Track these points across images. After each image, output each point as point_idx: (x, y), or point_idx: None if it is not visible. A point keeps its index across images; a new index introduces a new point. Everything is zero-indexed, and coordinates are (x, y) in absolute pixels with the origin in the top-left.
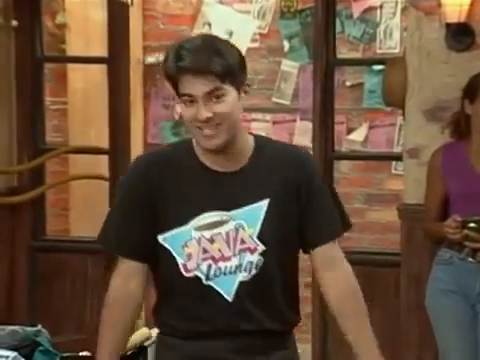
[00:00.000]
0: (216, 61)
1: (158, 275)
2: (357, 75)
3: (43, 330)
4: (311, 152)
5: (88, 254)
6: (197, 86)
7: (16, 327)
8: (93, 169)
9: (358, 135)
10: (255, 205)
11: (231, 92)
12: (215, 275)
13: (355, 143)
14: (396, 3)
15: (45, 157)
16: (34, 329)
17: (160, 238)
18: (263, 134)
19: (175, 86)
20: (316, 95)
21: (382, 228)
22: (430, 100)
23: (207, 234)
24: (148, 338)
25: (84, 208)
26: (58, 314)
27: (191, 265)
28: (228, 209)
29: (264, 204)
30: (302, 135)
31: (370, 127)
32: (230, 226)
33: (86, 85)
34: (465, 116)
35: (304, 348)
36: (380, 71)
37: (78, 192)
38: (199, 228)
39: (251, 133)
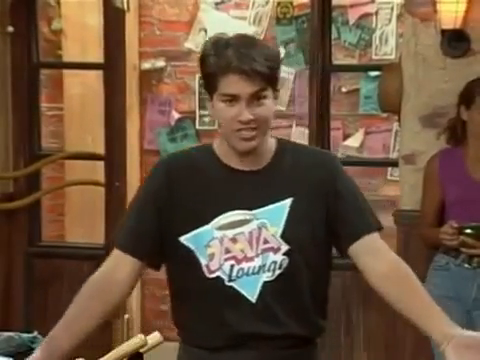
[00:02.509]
0: (264, 63)
1: (174, 280)
2: (353, 81)
3: (39, 336)
4: None
5: (84, 260)
6: (243, 87)
7: (12, 333)
8: (89, 175)
9: (354, 141)
10: (278, 204)
11: (271, 95)
12: (237, 276)
13: (351, 149)
14: (392, 9)
15: (41, 163)
16: (30, 335)
17: (182, 239)
18: None
19: (212, 83)
20: (312, 101)
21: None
22: (426, 106)
23: (229, 234)
24: (143, 346)
25: (80, 214)
26: (54, 320)
27: (214, 265)
28: (251, 208)
29: (287, 203)
30: (298, 141)
31: (366, 133)
32: (253, 225)
33: (82, 91)
34: (461, 122)
35: None
36: (376, 77)
37: (74, 198)
38: (221, 227)
39: (273, 136)
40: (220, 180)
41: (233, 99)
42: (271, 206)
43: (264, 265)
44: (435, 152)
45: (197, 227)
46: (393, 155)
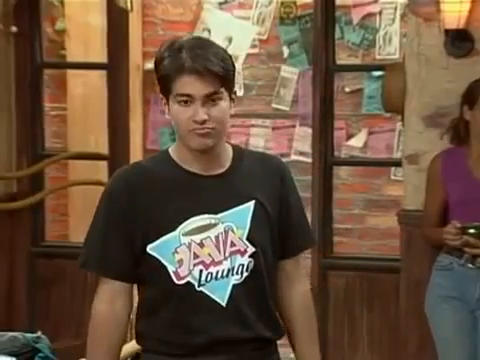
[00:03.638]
0: (218, 63)
1: (141, 289)
2: (356, 81)
3: (43, 336)
4: (310, 158)
5: None
6: (198, 87)
7: (16, 333)
8: (92, 175)
9: (357, 141)
10: (242, 206)
11: (226, 98)
12: (207, 280)
13: (354, 149)
14: (395, 9)
15: (44, 163)
16: (34, 335)
17: (148, 248)
18: (262, 140)
19: (167, 86)
20: (315, 101)
21: (381, 234)
22: (429, 106)
23: (197, 239)
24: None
25: (83, 214)
26: (57, 319)
27: (183, 271)
28: (216, 212)
29: (250, 205)
30: (301, 141)
31: (369, 133)
32: (219, 229)
33: (86, 91)
34: (464, 122)
35: None
36: (379, 77)
37: (77, 198)
38: (188, 233)
39: (227, 142)
40: (182, 186)
41: (188, 100)
42: (235, 209)
43: (233, 268)
44: (438, 152)
45: (163, 235)
46: (396, 155)
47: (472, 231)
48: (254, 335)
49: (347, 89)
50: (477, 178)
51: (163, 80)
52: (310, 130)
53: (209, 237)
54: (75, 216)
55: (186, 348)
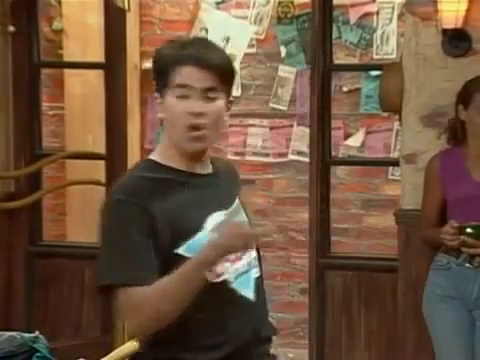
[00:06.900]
0: (221, 60)
1: None
2: (354, 80)
3: (41, 336)
4: (308, 157)
5: (85, 259)
6: (198, 78)
7: (14, 333)
8: (90, 174)
9: (355, 140)
10: (236, 203)
11: (223, 97)
12: (236, 277)
13: (352, 148)
14: (393, 9)
15: (42, 162)
16: (32, 335)
17: (180, 251)
18: (260, 140)
19: (166, 78)
20: (313, 100)
21: (379, 233)
22: (427, 106)
23: None
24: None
25: (81, 213)
26: (55, 319)
27: (219, 269)
28: (226, 207)
29: (237, 201)
30: (299, 140)
31: (367, 132)
32: None
33: (83, 90)
34: (460, 122)
35: (301, 354)
36: (377, 77)
37: (75, 197)
38: (213, 230)
39: None
40: (190, 186)
41: (186, 94)
42: (234, 205)
43: (250, 262)
44: (436, 151)
45: (192, 235)
46: (394, 154)
47: (469, 230)
48: (271, 333)
49: (345, 89)
50: (475, 178)
51: (161, 72)
52: (308, 130)
53: None
54: (73, 216)
55: (224, 348)
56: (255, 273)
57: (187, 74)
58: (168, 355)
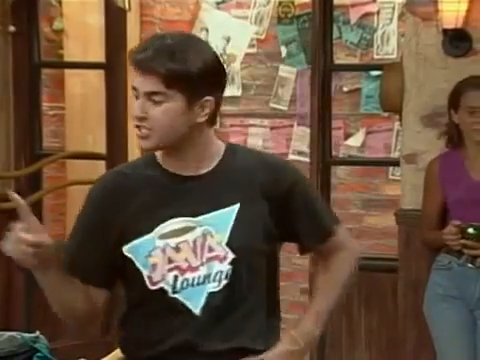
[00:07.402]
0: (164, 64)
1: (125, 292)
2: (354, 80)
3: (41, 336)
4: (308, 157)
5: None
6: (141, 83)
7: (14, 333)
8: (90, 174)
9: (355, 140)
10: (225, 210)
11: (177, 100)
12: (182, 287)
13: (352, 148)
14: (393, 9)
15: (42, 162)
16: (32, 335)
17: (124, 249)
18: (261, 139)
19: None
20: (313, 100)
21: (379, 233)
22: (427, 106)
23: (172, 242)
24: None
25: None
26: (55, 320)
27: (156, 277)
28: (194, 215)
29: (235, 209)
30: (299, 140)
31: (367, 132)
32: (197, 233)
33: (83, 90)
34: (455, 126)
35: None
36: (377, 77)
37: (75, 197)
38: (163, 236)
39: (225, 141)
40: (162, 188)
41: (136, 95)
42: (217, 212)
43: (209, 275)
44: (436, 151)
45: (138, 236)
46: (394, 154)
47: (471, 231)
48: (234, 346)
49: (345, 89)
50: (474, 179)
51: None
52: (308, 130)
53: (186, 241)
54: (73, 216)
55: (162, 354)
56: (212, 287)
57: (136, 77)
58: (130, 348)
